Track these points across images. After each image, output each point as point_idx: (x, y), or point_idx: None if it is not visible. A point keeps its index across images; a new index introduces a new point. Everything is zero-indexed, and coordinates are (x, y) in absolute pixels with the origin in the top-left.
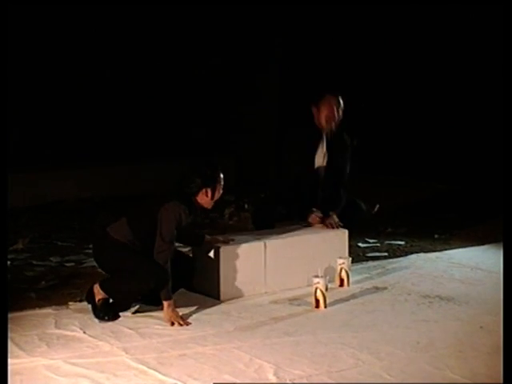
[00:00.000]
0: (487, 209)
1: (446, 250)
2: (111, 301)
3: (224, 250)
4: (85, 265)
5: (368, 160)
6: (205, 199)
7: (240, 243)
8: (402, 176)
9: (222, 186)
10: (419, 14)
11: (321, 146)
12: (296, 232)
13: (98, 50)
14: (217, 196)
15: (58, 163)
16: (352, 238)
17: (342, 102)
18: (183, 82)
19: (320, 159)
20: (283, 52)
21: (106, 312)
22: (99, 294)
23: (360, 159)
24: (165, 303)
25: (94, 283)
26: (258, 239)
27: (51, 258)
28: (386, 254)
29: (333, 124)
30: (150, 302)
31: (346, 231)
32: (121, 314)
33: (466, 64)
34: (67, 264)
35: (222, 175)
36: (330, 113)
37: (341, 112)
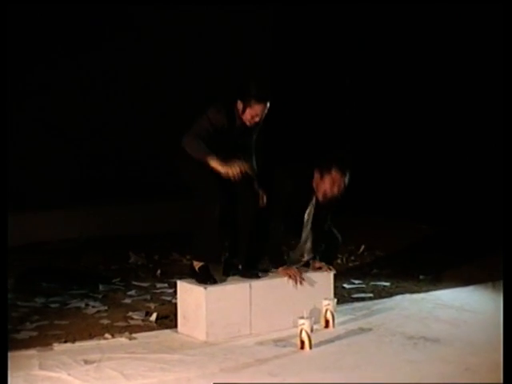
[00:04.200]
0: (472, 249)
1: (431, 290)
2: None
3: (210, 292)
4: (70, 306)
5: (353, 201)
6: (238, 112)
7: (226, 284)
8: (386, 216)
9: (255, 109)
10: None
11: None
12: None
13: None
14: (248, 114)
15: (43, 204)
16: (337, 279)
17: (347, 180)
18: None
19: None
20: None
21: (207, 277)
22: (197, 264)
23: (348, 199)
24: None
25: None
26: (244, 280)
27: (36, 299)
28: (371, 295)
29: (327, 199)
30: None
31: (332, 272)
32: (106, 355)
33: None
34: (52, 305)
35: (260, 101)
36: (330, 190)
37: (341, 189)
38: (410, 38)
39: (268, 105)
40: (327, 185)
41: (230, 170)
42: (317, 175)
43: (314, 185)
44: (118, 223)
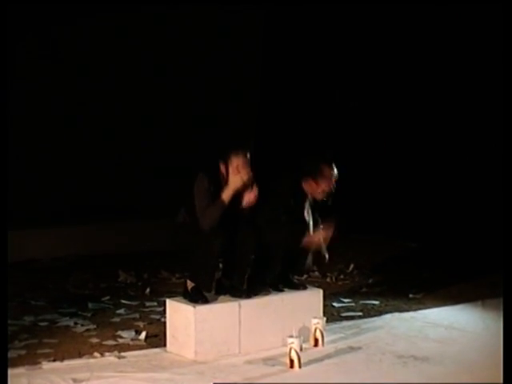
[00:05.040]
0: (461, 268)
1: (420, 309)
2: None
3: (198, 310)
4: (59, 324)
5: (342, 218)
6: (223, 176)
7: (215, 303)
8: (375, 235)
9: (236, 162)
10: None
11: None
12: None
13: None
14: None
15: (32, 222)
16: (326, 297)
17: (336, 170)
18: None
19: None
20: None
21: (199, 296)
22: (190, 284)
23: (335, 217)
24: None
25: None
26: (233, 299)
27: (25, 317)
28: (360, 313)
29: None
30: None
31: (321, 291)
32: (95, 374)
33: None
34: (41, 323)
35: (238, 154)
36: (328, 187)
37: (336, 179)
38: (406, 44)
39: (248, 156)
40: (325, 184)
41: (238, 180)
42: (310, 182)
43: (309, 189)
44: (108, 241)
